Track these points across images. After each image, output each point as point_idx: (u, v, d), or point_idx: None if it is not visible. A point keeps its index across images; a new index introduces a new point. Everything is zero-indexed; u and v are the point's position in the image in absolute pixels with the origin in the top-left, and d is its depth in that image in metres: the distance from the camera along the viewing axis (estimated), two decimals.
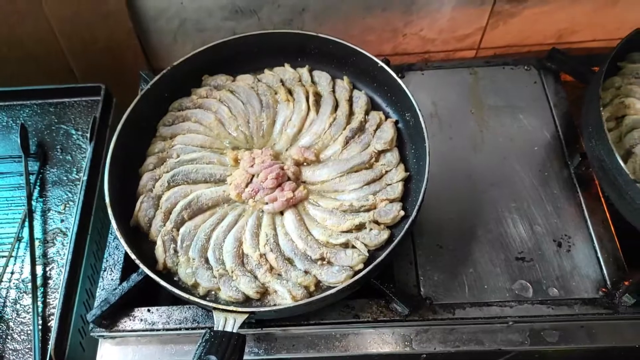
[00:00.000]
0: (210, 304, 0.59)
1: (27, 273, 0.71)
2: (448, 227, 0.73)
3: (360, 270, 0.61)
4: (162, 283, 0.59)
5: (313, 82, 0.80)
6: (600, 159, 0.68)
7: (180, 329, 0.65)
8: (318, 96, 0.79)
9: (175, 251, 0.65)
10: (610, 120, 0.74)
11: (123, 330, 0.66)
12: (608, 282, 0.67)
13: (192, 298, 0.59)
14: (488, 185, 0.76)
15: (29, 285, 0.70)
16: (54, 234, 0.75)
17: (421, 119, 0.67)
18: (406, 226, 0.62)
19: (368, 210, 0.67)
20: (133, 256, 0.60)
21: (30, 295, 0.69)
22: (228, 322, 0.57)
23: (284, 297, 0.62)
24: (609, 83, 0.78)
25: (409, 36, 1.00)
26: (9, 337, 0.67)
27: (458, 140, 0.81)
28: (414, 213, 0.62)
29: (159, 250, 0.65)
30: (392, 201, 0.68)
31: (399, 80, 0.72)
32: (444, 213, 0.74)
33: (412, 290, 0.68)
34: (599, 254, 0.69)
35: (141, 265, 0.60)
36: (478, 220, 0.73)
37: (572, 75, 0.85)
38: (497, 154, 0.79)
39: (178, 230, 0.67)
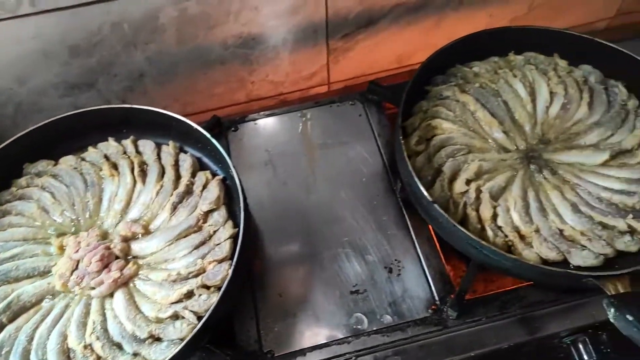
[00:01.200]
0: None
1: None
2: (287, 274, 0.74)
3: None
4: None
5: (138, 152, 0.80)
6: (408, 183, 0.72)
7: None
8: (145, 165, 0.79)
9: None
10: (421, 143, 0.79)
11: None
12: (437, 299, 0.70)
13: None
14: (322, 224, 0.78)
15: None
16: None
17: (233, 171, 0.68)
18: (225, 284, 0.62)
19: (197, 276, 0.67)
20: None
21: None
22: None
23: None
24: (418, 107, 0.83)
25: (258, 83, 1.02)
26: None
27: (292, 185, 0.83)
28: (231, 270, 0.62)
29: None
30: (221, 261, 0.68)
31: (212, 139, 0.73)
32: (283, 260, 0.75)
33: (254, 346, 0.68)
34: (427, 273, 0.73)
35: None
36: (314, 260, 0.75)
37: (392, 104, 0.91)
38: (328, 191, 0.82)
39: None
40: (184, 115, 0.76)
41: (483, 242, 0.63)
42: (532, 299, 0.70)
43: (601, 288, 0.60)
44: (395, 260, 0.74)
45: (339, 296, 0.71)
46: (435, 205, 0.66)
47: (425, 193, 0.67)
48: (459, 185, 0.73)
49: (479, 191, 0.73)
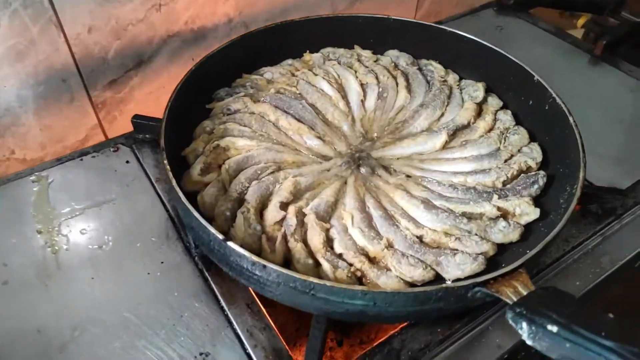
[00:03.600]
0: None
1: None
2: None
3: None
4: None
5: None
6: (195, 229, 0.46)
7: None
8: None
9: None
10: (210, 171, 0.55)
11: None
12: None
13: None
14: (71, 341, 0.47)
15: None
16: None
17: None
18: None
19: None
20: None
21: None
22: None
23: None
24: (200, 129, 0.60)
25: (3, 164, 0.71)
26: None
27: (18, 286, 0.51)
28: None
29: None
30: None
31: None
32: None
33: None
34: (254, 357, 0.46)
35: None
36: None
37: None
38: (79, 282, 0.52)
39: None
40: None
41: (311, 279, 0.38)
42: (415, 345, 0.47)
43: (498, 299, 0.39)
44: (201, 354, 0.46)
45: None
46: (230, 244, 0.41)
47: (214, 231, 0.42)
48: (272, 214, 0.50)
49: (301, 214, 0.50)
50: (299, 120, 0.61)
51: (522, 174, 0.55)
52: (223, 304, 0.49)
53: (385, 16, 0.70)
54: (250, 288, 0.50)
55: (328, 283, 0.39)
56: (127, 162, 0.64)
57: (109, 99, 0.75)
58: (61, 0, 0.61)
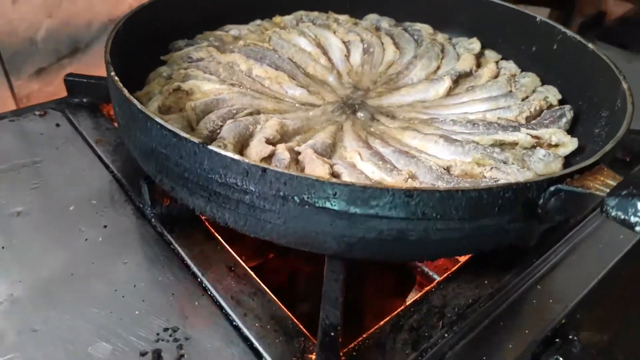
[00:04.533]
0: None
1: None
2: None
3: None
4: None
5: None
6: (153, 150, 0.33)
7: None
8: None
9: None
10: (169, 112, 0.43)
11: None
12: None
13: None
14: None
15: None
16: None
17: None
18: None
19: None
20: None
21: None
22: None
23: None
24: (155, 74, 0.48)
25: None
26: None
27: None
28: None
29: None
30: None
31: None
32: None
33: None
34: (245, 329, 0.32)
35: None
36: None
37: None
38: None
39: None
40: None
41: (333, 180, 0.27)
42: (461, 301, 0.35)
43: (582, 197, 0.29)
44: (167, 330, 0.31)
45: None
46: (213, 147, 0.29)
47: (189, 136, 0.30)
48: (258, 148, 0.38)
49: (294, 153, 0.39)
50: (276, 69, 0.51)
51: (544, 110, 0.48)
52: (194, 269, 0.36)
53: None
54: (237, 231, 0.36)
55: (358, 183, 0.27)
56: (58, 125, 0.50)
57: (35, 91, 0.63)
58: None
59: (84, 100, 0.53)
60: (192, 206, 0.34)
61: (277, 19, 0.63)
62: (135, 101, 0.33)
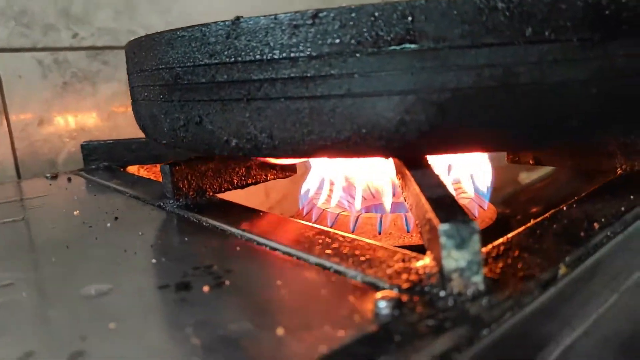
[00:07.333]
0: None
1: None
2: None
3: None
4: None
5: None
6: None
7: None
8: None
9: None
10: None
11: None
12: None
13: None
14: None
15: None
16: None
17: None
18: None
19: None
20: None
21: None
22: None
23: None
24: None
25: None
26: None
27: None
28: None
29: None
30: None
31: None
32: None
33: None
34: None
35: None
36: None
37: None
38: None
39: None
40: None
41: None
42: (611, 210, 0.24)
43: None
44: (198, 268, 0.21)
45: None
46: (246, 17, 0.23)
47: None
48: None
49: None
50: None
51: None
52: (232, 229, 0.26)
53: None
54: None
55: None
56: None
57: None
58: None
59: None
60: (225, 137, 0.26)
61: None
62: None
